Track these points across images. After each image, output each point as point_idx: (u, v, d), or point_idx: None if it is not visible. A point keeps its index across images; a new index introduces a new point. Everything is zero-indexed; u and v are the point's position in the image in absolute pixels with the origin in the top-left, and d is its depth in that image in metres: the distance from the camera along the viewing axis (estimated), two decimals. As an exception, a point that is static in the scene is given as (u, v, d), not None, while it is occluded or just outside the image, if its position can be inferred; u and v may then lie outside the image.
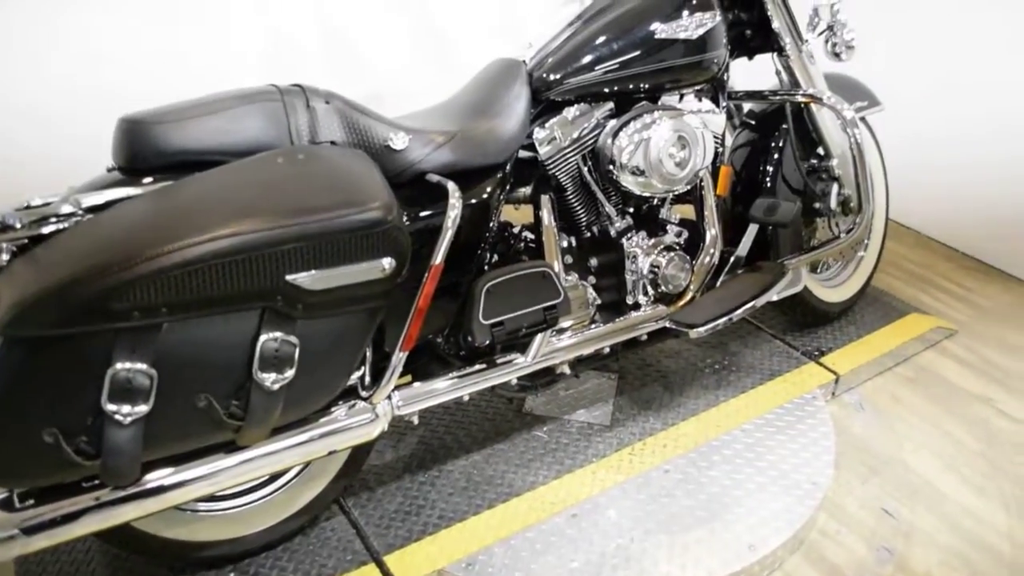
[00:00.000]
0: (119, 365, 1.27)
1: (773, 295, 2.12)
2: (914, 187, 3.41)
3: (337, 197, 1.40)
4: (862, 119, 2.59)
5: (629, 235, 2.07)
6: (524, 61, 1.98)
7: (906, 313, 2.83)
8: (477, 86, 1.95)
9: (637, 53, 1.95)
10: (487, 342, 1.74)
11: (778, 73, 2.33)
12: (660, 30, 1.96)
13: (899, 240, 3.42)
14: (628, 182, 1.96)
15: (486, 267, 1.90)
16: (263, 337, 1.35)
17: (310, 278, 1.35)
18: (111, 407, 1.28)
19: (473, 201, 1.78)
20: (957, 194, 3.34)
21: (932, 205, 3.44)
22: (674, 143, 1.96)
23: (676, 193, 2.10)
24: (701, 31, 2.00)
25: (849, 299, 2.70)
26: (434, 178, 1.68)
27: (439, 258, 1.59)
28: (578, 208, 2.04)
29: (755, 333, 2.67)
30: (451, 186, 1.63)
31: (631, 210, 2.12)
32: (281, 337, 1.36)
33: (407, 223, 1.65)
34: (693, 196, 2.19)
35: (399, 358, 1.62)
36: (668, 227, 2.13)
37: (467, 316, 1.74)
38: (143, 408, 1.30)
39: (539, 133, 1.93)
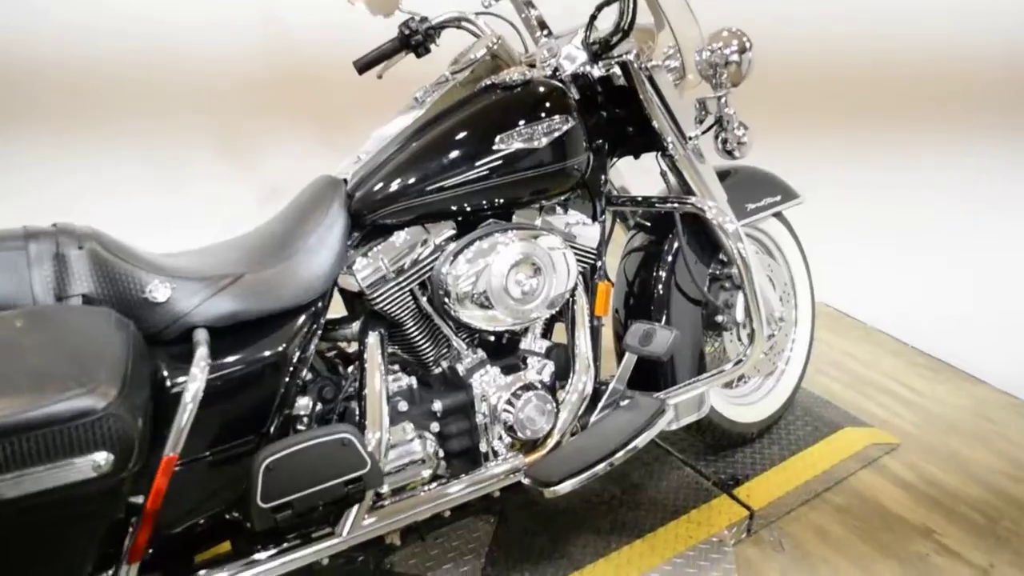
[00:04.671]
0: None
1: (648, 437, 1.82)
2: (861, 276, 3.15)
3: (40, 380, 1.14)
4: (777, 214, 2.33)
5: (481, 372, 1.78)
6: (345, 180, 1.72)
7: (840, 427, 2.53)
8: (290, 211, 1.70)
9: (477, 167, 1.69)
10: (269, 528, 1.44)
11: (663, 175, 2.06)
12: (501, 140, 1.70)
13: (843, 334, 3.13)
14: (469, 317, 1.69)
15: (293, 430, 1.62)
16: None
17: (-6, 486, 1.07)
18: None
19: (266, 353, 1.51)
20: (906, 283, 3.05)
21: (880, 295, 3.15)
22: (521, 269, 1.69)
23: (536, 322, 1.82)
24: (549, 138, 1.74)
25: (769, 417, 2.40)
26: (200, 335, 1.40)
27: (173, 448, 1.31)
28: (420, 343, 1.77)
29: (663, 458, 2.36)
30: (199, 352, 1.36)
31: (490, 340, 1.84)
32: None
33: (174, 389, 1.38)
34: (565, 320, 1.92)
35: (127, 571, 1.33)
36: (529, 360, 1.84)
37: (245, 498, 1.45)
38: None
39: (361, 263, 1.66)
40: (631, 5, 1.76)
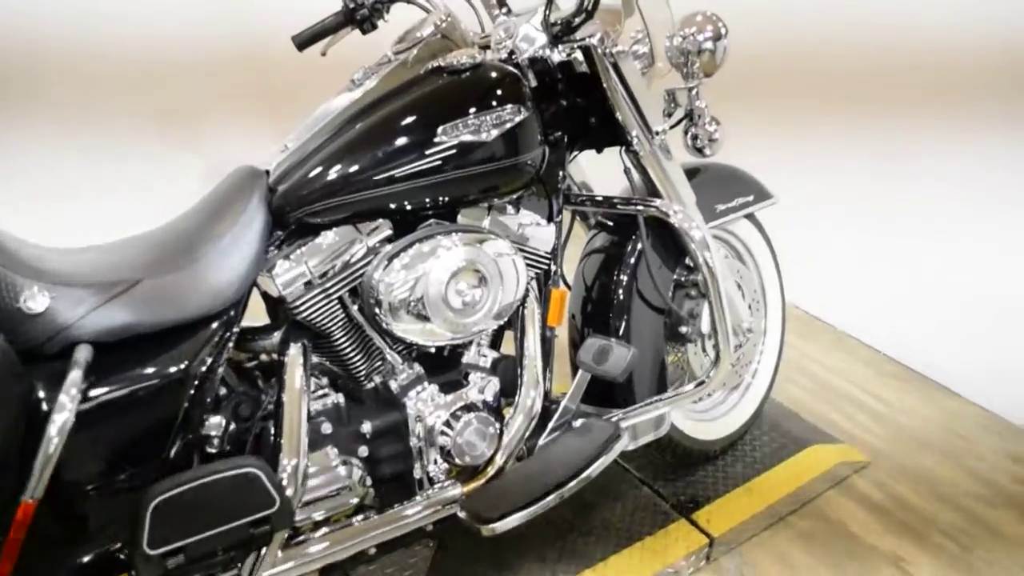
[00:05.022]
0: None
1: (601, 466, 1.65)
2: (834, 279, 3.01)
3: None
4: (750, 216, 2.16)
5: (418, 389, 1.60)
6: (267, 171, 1.52)
7: (808, 443, 2.37)
8: (203, 206, 1.50)
9: (417, 161, 1.50)
10: None
11: (627, 172, 1.88)
12: (444, 131, 1.50)
13: (814, 338, 2.98)
14: (403, 330, 1.50)
15: (201, 454, 1.43)
16: None
17: None
18: None
19: (167, 370, 1.32)
20: (878, 286, 2.91)
21: (851, 298, 3.00)
22: (463, 277, 1.51)
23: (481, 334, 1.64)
24: (499, 131, 1.55)
25: (733, 433, 2.24)
26: (80, 354, 1.20)
27: (32, 493, 1.11)
28: (350, 356, 1.58)
29: (619, 476, 2.20)
30: (71, 376, 1.16)
31: (430, 353, 1.66)
32: None
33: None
34: (514, 329, 1.74)
35: None
36: (472, 376, 1.66)
37: (130, 543, 1.25)
38: None
39: (282, 266, 1.47)
40: None
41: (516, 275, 1.59)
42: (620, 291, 1.93)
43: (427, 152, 1.50)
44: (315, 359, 1.61)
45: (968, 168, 2.59)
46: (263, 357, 1.58)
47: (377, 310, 1.48)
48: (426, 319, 1.50)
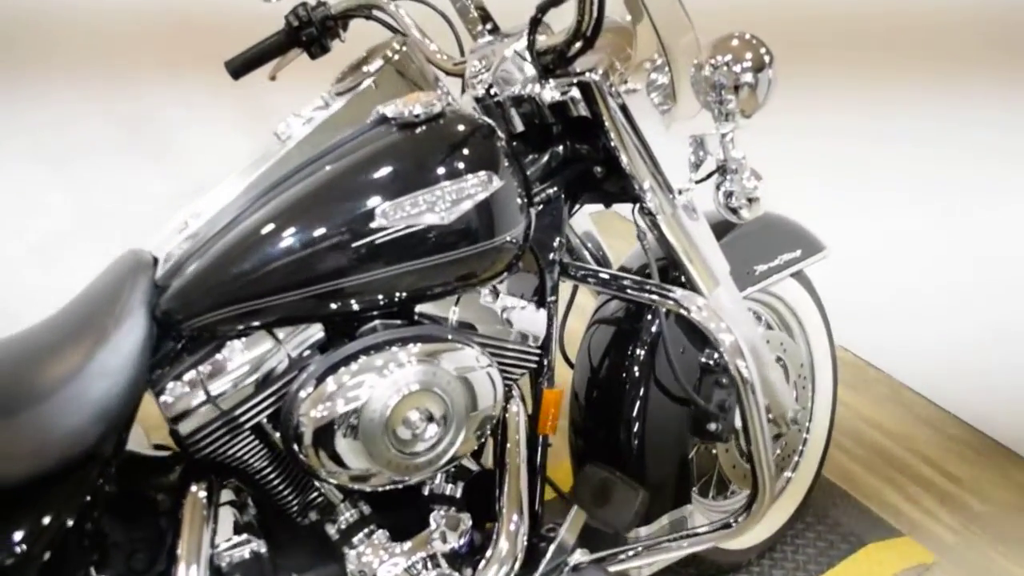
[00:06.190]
0: None
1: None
2: (888, 318, 2.58)
3: None
4: (796, 273, 1.76)
5: (363, 534, 1.24)
6: (155, 260, 1.16)
7: (862, 542, 1.98)
8: (65, 317, 1.14)
9: (353, 251, 1.13)
10: None
11: (640, 236, 1.49)
12: (384, 212, 1.13)
13: (864, 390, 2.57)
14: (332, 475, 1.14)
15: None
16: None
17: None
18: None
19: (13, 541, 0.98)
20: (946, 335, 2.47)
21: (912, 344, 2.57)
22: (415, 404, 1.14)
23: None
24: (466, 206, 1.17)
25: (769, 539, 1.85)
26: None
27: None
28: (277, 490, 1.23)
29: (632, 589, 1.82)
30: None
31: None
32: None
33: None
34: (494, 436, 1.37)
35: None
36: (435, 514, 1.29)
37: None
38: None
39: (172, 391, 1.11)
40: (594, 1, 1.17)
41: (492, 392, 1.21)
42: (635, 370, 1.56)
43: (367, 241, 1.12)
44: (232, 485, 1.26)
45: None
46: (160, 496, 1.23)
47: (296, 446, 1.11)
48: (365, 459, 1.13)
